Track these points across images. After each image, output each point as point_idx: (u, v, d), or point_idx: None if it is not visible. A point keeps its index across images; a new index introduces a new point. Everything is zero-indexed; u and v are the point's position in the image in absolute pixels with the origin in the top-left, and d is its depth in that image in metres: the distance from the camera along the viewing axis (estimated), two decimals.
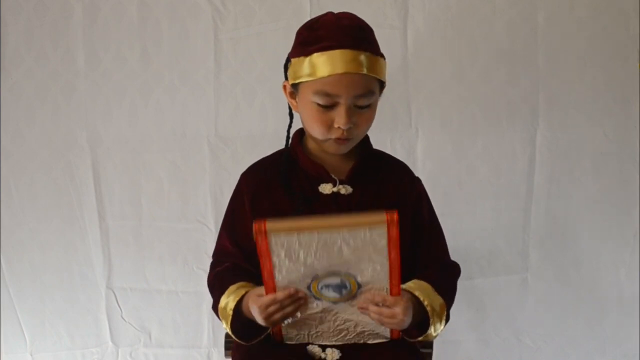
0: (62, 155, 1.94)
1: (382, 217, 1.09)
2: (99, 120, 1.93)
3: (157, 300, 1.99)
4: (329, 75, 1.22)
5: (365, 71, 1.23)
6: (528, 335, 2.01)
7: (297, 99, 1.32)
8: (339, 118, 1.25)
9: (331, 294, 1.17)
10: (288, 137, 1.38)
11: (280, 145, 1.41)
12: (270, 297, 1.16)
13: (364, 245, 1.11)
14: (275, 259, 1.12)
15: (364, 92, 1.25)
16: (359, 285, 1.16)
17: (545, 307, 2.00)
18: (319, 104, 1.25)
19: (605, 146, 1.94)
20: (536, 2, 1.89)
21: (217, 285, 1.34)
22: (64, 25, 1.90)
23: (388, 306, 1.17)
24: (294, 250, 1.11)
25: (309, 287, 1.16)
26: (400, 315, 1.17)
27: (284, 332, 1.26)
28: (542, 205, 1.95)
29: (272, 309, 1.17)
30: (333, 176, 1.32)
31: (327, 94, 1.24)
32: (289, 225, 1.11)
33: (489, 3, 1.89)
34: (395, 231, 1.10)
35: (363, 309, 1.19)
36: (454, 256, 1.41)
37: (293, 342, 1.27)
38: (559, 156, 1.94)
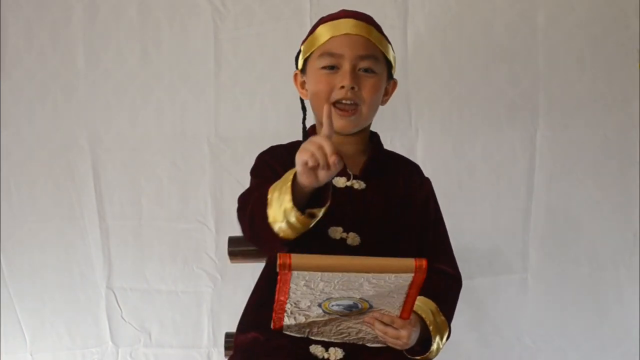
0: (62, 155, 1.94)
1: (410, 265, 1.08)
2: (99, 120, 1.93)
3: (157, 300, 1.99)
4: (331, 37, 1.28)
5: (366, 35, 1.28)
6: (528, 335, 2.01)
7: (306, 83, 1.34)
8: (342, 77, 1.27)
9: (341, 309, 1.16)
10: (304, 128, 1.39)
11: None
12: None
13: (386, 284, 1.11)
14: (293, 286, 1.11)
15: (367, 53, 1.28)
16: (371, 307, 1.16)
17: (545, 307, 1.99)
18: (323, 67, 1.28)
19: (605, 146, 1.94)
20: (536, 2, 1.89)
21: (256, 202, 1.20)
22: (64, 25, 1.90)
23: (395, 327, 1.17)
24: (315, 282, 1.10)
25: (319, 305, 1.16)
26: (405, 338, 1.18)
27: (285, 323, 1.26)
28: (542, 205, 1.95)
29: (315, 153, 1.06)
30: (348, 170, 1.32)
31: (330, 54, 1.28)
32: (315, 264, 1.09)
33: (489, 3, 1.89)
34: (421, 278, 1.09)
35: (369, 324, 1.19)
36: None
37: (292, 334, 1.27)
38: (559, 156, 1.94)
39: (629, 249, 1.98)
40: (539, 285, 1.98)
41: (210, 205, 1.94)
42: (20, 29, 1.90)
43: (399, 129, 1.91)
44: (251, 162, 1.41)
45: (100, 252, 1.97)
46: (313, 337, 1.27)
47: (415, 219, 1.35)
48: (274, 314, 1.17)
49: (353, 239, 1.28)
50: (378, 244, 1.30)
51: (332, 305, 1.15)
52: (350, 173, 1.32)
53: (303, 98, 1.38)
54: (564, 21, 1.90)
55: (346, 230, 1.29)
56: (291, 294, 1.12)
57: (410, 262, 1.08)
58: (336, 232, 1.28)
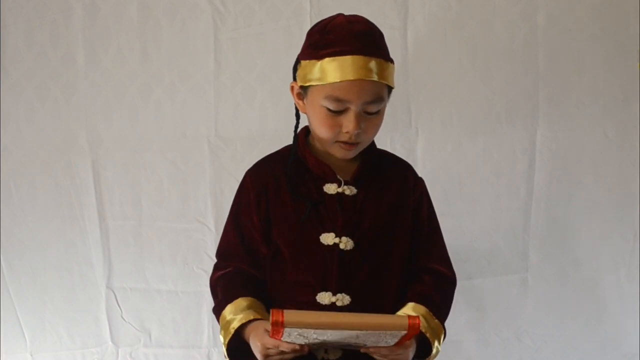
0: (62, 155, 1.94)
1: (404, 324, 1.10)
2: (99, 120, 1.93)
3: (157, 300, 1.99)
4: (340, 81, 1.23)
5: (376, 78, 1.24)
6: (528, 335, 2.01)
7: (305, 101, 1.32)
8: (348, 123, 1.25)
9: (336, 344, 1.19)
10: (296, 137, 1.38)
11: (280, 145, 1.42)
12: (275, 342, 1.17)
13: (379, 337, 1.13)
14: (286, 335, 1.12)
15: (374, 98, 1.26)
16: (365, 345, 1.18)
17: (545, 307, 1.99)
18: (328, 109, 1.26)
19: (605, 146, 1.94)
20: (536, 2, 1.89)
21: (220, 289, 1.35)
22: (64, 25, 1.90)
23: (393, 351, 1.19)
24: (308, 333, 1.11)
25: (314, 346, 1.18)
26: (404, 358, 1.21)
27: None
28: (542, 205, 1.95)
29: (272, 352, 1.18)
30: (338, 177, 1.33)
31: (337, 100, 1.24)
32: (307, 322, 1.10)
33: (489, 3, 1.89)
34: (414, 334, 1.12)
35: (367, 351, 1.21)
36: (454, 256, 1.41)
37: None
38: (559, 156, 1.94)
39: (629, 249, 1.98)
40: (539, 285, 1.98)
41: (210, 205, 1.94)
42: (20, 29, 1.90)
43: (399, 129, 1.91)
44: (251, 162, 1.41)
45: (100, 252, 1.97)
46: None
47: (408, 221, 1.35)
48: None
49: (346, 243, 1.29)
50: (371, 247, 1.30)
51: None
52: (341, 179, 1.33)
53: (300, 110, 1.36)
54: (564, 21, 1.90)
55: (338, 236, 1.29)
56: (284, 338, 1.13)
57: (403, 321, 1.10)
58: (328, 237, 1.29)
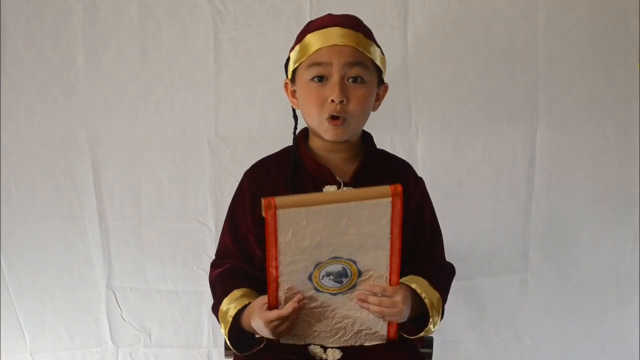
0: (62, 155, 1.94)
1: (387, 189, 1.12)
2: (99, 120, 1.93)
3: (157, 300, 1.99)
4: (319, 48, 1.27)
5: (355, 45, 1.27)
6: (528, 335, 2.01)
7: (296, 93, 1.33)
8: (331, 89, 1.27)
9: (331, 284, 1.17)
10: (295, 139, 1.38)
11: (280, 145, 1.42)
12: (275, 313, 1.17)
13: (368, 222, 1.12)
14: (281, 240, 1.11)
15: (355, 60, 1.27)
16: (359, 273, 1.16)
17: (545, 307, 2.00)
18: (312, 80, 1.28)
19: (605, 146, 1.94)
20: (536, 2, 1.89)
21: (218, 286, 1.35)
22: (64, 25, 1.90)
23: (387, 296, 1.17)
24: (301, 228, 1.11)
25: (310, 277, 1.16)
26: (400, 304, 1.18)
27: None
28: (542, 205, 1.95)
29: (277, 322, 1.18)
30: (337, 178, 1.32)
31: (318, 64, 1.27)
32: (297, 201, 1.12)
33: (489, 3, 1.89)
34: (399, 203, 1.11)
35: (362, 301, 1.19)
36: (454, 256, 1.42)
37: (289, 343, 1.27)
38: (559, 156, 1.94)
39: (629, 249, 1.98)
40: (539, 285, 1.98)
41: (210, 205, 1.94)
42: (20, 29, 1.90)
43: (399, 129, 1.91)
44: (251, 162, 1.41)
45: (100, 252, 1.97)
46: (310, 342, 1.27)
47: (409, 220, 1.34)
48: (268, 297, 1.18)
49: None
50: None
51: (323, 277, 1.16)
52: (341, 181, 1.32)
53: (294, 107, 1.37)
54: (564, 21, 1.90)
55: None
56: (281, 258, 1.13)
57: (385, 187, 1.12)
58: None
